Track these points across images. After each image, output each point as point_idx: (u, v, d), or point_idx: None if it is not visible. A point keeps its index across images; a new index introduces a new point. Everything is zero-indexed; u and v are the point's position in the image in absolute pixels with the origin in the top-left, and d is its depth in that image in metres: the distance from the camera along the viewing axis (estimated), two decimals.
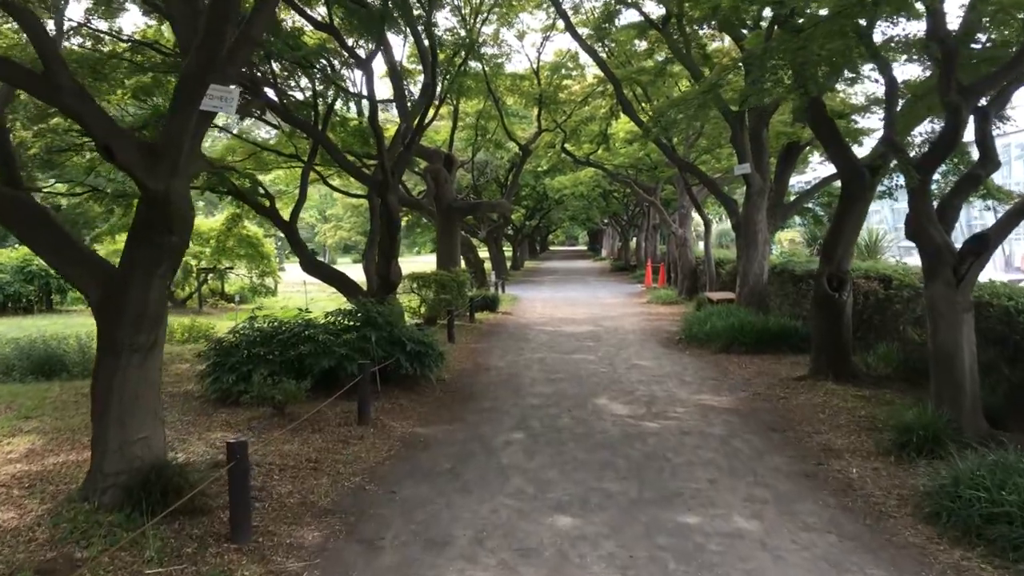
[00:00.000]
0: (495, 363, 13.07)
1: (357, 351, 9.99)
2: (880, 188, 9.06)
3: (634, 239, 45.50)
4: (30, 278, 22.38)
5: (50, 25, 10.29)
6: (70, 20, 11.82)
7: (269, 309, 23.90)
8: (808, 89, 9.24)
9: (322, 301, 22.54)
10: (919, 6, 7.37)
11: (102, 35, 11.69)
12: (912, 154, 10.47)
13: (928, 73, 9.99)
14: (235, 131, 19.53)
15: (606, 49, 18.91)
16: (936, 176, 10.41)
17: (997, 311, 8.47)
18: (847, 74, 12.20)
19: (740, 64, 13.60)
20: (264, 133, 21.58)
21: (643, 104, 20.07)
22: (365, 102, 14.78)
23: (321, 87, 14.72)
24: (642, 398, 10.05)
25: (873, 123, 20.24)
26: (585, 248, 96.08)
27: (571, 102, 23.37)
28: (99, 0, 10.82)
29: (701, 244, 29.80)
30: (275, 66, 13.22)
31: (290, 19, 13.63)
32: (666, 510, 6.03)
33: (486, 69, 20.65)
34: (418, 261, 42.69)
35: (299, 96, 15.34)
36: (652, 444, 7.87)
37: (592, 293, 28.38)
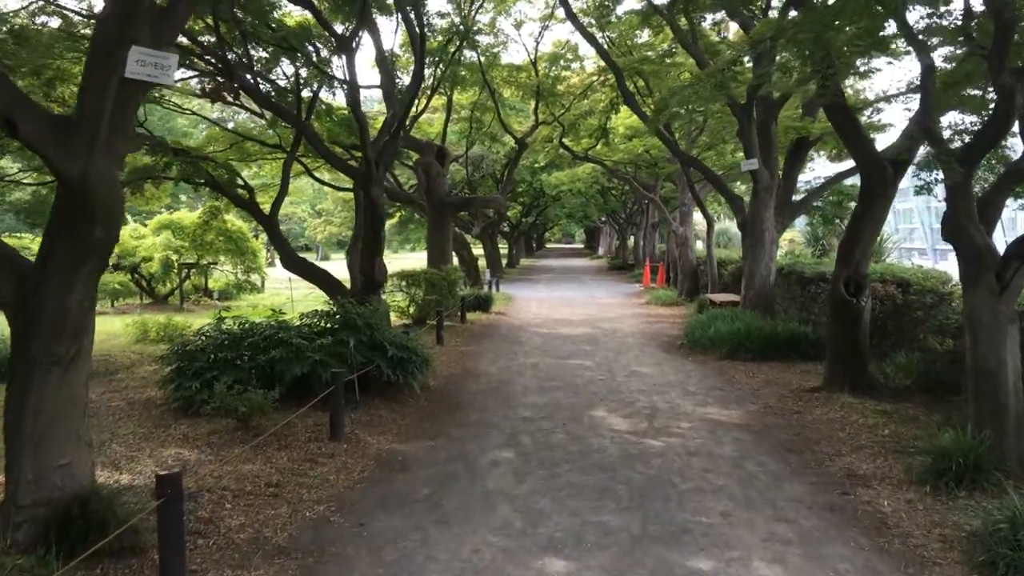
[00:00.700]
0: (485, 368, 12.25)
1: (333, 357, 9.16)
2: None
3: (631, 237, 44.68)
4: None
5: None
6: None
7: (254, 306, 23.06)
8: (827, 79, 8.41)
9: (310, 299, 21.78)
10: None
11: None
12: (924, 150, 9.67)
13: (954, 62, 9.20)
14: (214, 117, 18.68)
15: (606, 38, 18.07)
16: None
17: None
18: (860, 66, 11.47)
19: (748, 54, 12.80)
20: (252, 123, 20.69)
21: (646, 99, 19.23)
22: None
23: (305, 73, 13.88)
24: (643, 410, 9.23)
25: (886, 117, 19.37)
26: (582, 246, 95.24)
27: (570, 95, 22.54)
28: None
29: (699, 243, 29.08)
30: (254, 49, 12.39)
31: None
32: (674, 550, 5.21)
33: (481, 59, 19.81)
34: (412, 258, 41.83)
35: (282, 82, 14.55)
36: (656, 466, 7.05)
37: (589, 293, 27.56)
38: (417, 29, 12.29)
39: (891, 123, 15.09)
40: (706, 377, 11.28)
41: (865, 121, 14.92)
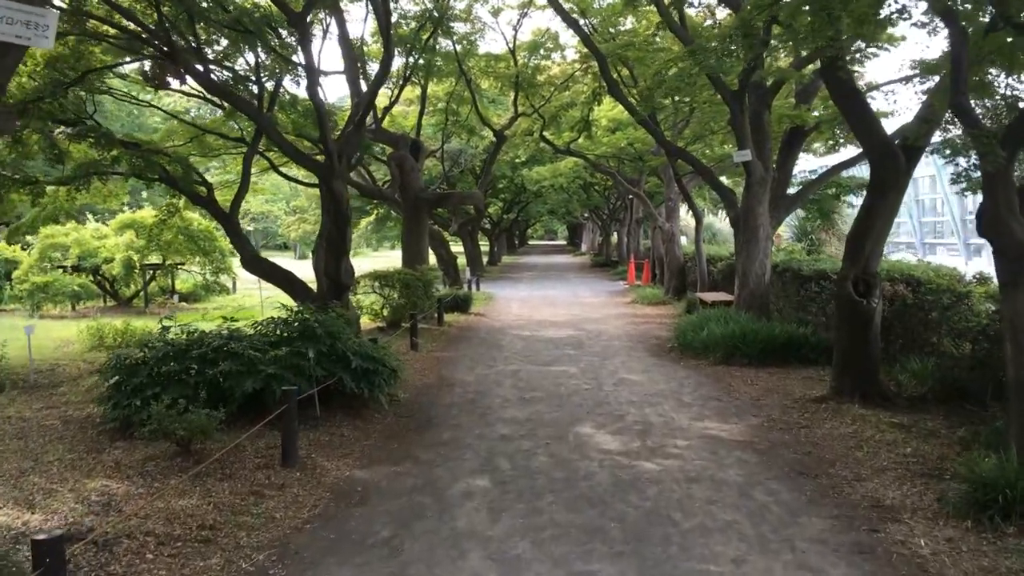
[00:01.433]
0: (462, 377, 11.32)
1: (290, 370, 8.21)
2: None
3: (615, 234, 43.86)
4: None
5: None
6: None
7: (223, 309, 21.99)
8: (835, 50, 7.54)
9: (283, 301, 20.73)
10: None
11: None
12: (953, 133, 8.84)
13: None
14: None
15: (589, 25, 17.15)
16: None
17: None
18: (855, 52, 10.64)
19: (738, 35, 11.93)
20: (213, 115, 19.60)
21: (630, 89, 18.35)
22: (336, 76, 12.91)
23: (265, 59, 12.88)
24: (634, 426, 8.33)
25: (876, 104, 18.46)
26: (564, 243, 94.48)
27: (550, 85, 21.63)
28: None
29: (683, 239, 28.23)
30: (209, 33, 11.38)
31: None
32: None
33: (457, 48, 18.86)
34: (391, 256, 40.79)
35: (244, 70, 13.55)
36: (652, 497, 6.15)
37: (572, 291, 26.67)
38: (381, 2, 11.31)
39: (888, 112, 14.13)
40: (701, 385, 10.41)
41: None
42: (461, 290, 20.78)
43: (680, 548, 5.16)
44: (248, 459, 7.11)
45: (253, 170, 19.10)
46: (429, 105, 22.40)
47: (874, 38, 8.73)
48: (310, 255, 64.24)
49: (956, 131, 8.81)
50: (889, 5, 7.02)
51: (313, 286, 12.67)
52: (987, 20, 6.53)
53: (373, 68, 18.48)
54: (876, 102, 14.40)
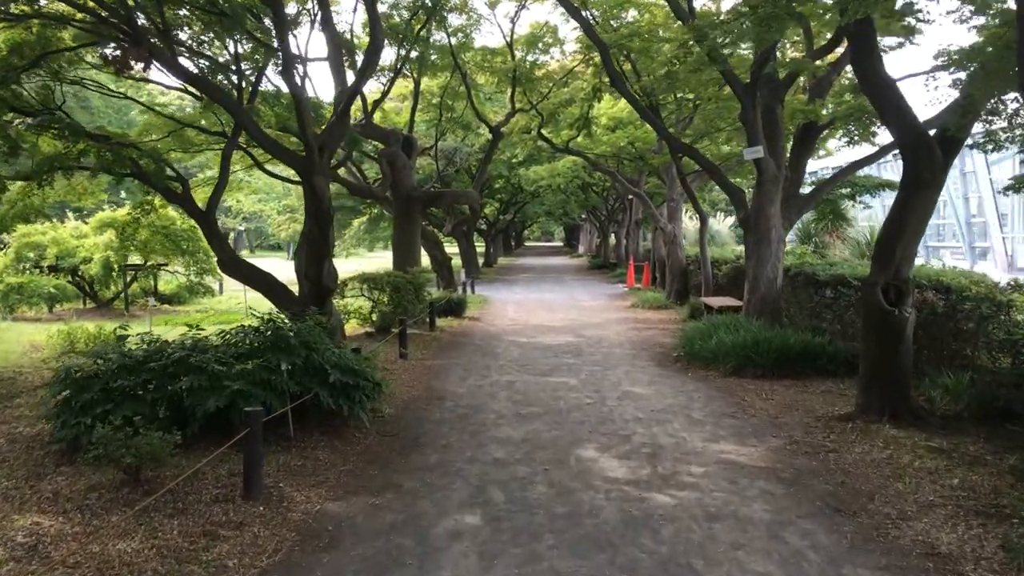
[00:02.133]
0: (453, 389, 10.48)
1: (259, 385, 7.36)
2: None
3: (613, 235, 43.05)
4: None
5: None
6: None
7: (207, 312, 21.11)
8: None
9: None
10: None
11: None
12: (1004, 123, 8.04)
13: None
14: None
15: (590, 16, 16.33)
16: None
17: None
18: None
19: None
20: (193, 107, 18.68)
21: (632, 84, 17.54)
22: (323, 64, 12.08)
23: (246, 47, 12.06)
24: (642, 448, 7.50)
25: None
26: (561, 244, 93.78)
27: (549, 80, 20.81)
28: None
29: (683, 242, 27.38)
30: (179, 13, 10.53)
31: None
32: None
33: (452, 40, 18.04)
34: (386, 257, 39.91)
35: (225, 58, 12.72)
36: (668, 539, 5.31)
37: (570, 294, 25.84)
38: None
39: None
40: (712, 399, 9.58)
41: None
42: (455, 293, 19.93)
43: None
44: (206, 489, 6.26)
45: (238, 167, 18.30)
46: (423, 101, 21.57)
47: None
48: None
49: (1000, 123, 8.03)
50: None
51: (296, 289, 11.84)
52: None
53: (359, 55, 17.67)
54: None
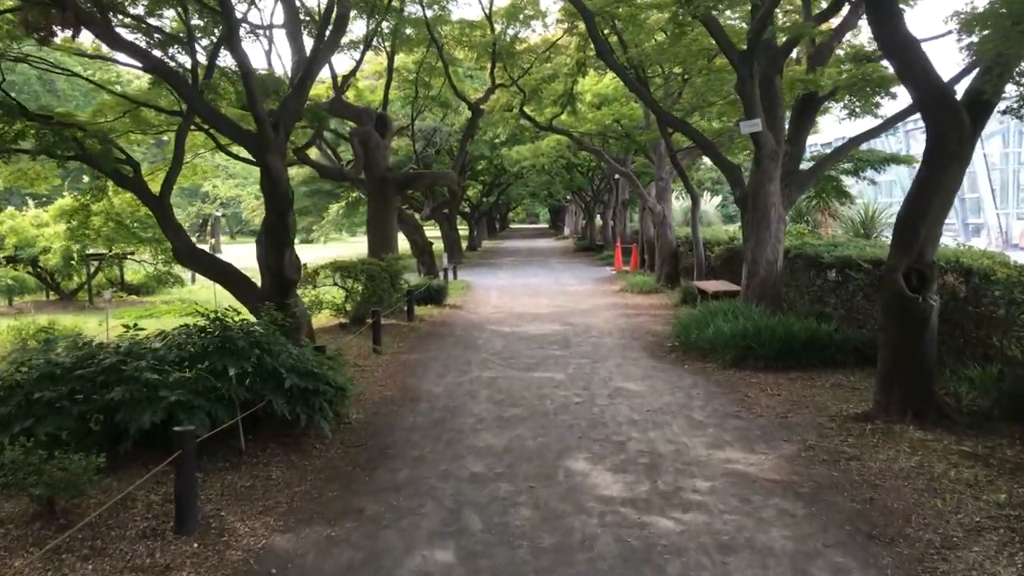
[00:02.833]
0: (429, 388, 9.59)
1: (203, 394, 6.45)
2: None
3: (599, 216, 42.16)
4: None
5: None
6: None
7: (175, 304, 20.12)
8: None
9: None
10: None
11: None
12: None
13: None
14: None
15: None
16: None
17: None
18: None
19: None
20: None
21: (619, 57, 16.59)
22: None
23: (198, 18, 11.02)
24: (640, 458, 6.65)
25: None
26: (546, 226, 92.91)
27: (531, 54, 19.83)
28: None
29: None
30: None
31: None
32: None
33: (428, 13, 17.00)
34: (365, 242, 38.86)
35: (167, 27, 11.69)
36: None
37: (556, 278, 24.97)
38: None
39: None
40: (713, 396, 8.73)
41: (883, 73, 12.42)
42: (435, 280, 19.01)
43: None
44: (134, 521, 5.37)
45: (201, 150, 17.27)
46: (399, 78, 20.54)
47: None
48: None
49: None
50: None
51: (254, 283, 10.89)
52: None
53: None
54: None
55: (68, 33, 8.60)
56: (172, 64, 11.92)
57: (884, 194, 39.81)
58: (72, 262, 18.97)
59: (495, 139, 31.79)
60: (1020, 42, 6.28)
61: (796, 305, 12.56)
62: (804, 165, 13.41)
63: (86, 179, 30.85)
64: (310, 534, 5.26)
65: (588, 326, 14.28)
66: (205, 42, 11.63)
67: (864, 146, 14.43)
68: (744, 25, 13.57)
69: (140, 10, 10.73)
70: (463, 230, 45.77)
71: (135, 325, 7.49)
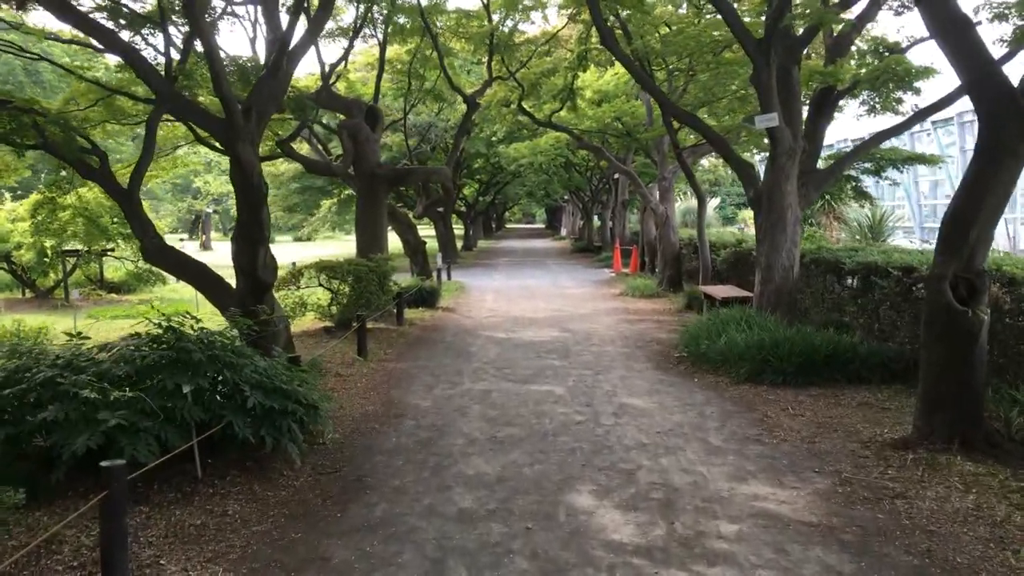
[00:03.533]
0: (416, 401, 8.74)
1: (151, 416, 5.60)
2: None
3: (596, 217, 41.32)
4: None
5: None
6: None
7: (158, 303, 19.20)
8: None
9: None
10: None
11: None
12: None
13: None
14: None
15: None
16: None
17: None
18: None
19: None
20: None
21: (624, 49, 15.73)
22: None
23: None
24: (652, 492, 5.80)
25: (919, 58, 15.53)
26: (543, 226, 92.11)
27: (531, 45, 18.98)
28: None
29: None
30: None
31: None
32: None
33: (422, 1, 16.14)
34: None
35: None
36: None
37: (553, 280, 24.13)
38: None
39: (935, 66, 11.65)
40: (729, 416, 7.89)
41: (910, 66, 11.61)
42: (428, 281, 18.15)
43: None
44: (55, 570, 4.51)
45: (182, 142, 16.39)
46: (392, 70, 19.67)
47: None
48: (276, 238, 61.17)
49: None
50: None
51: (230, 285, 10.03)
52: None
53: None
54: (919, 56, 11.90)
55: (13, 6, 7.75)
56: (146, 47, 11.14)
57: (888, 197, 39.09)
58: (45, 259, 18.06)
59: (492, 136, 30.95)
60: None
61: (810, 313, 11.74)
62: (820, 164, 12.58)
63: (64, 172, 29.82)
64: None
65: (588, 333, 13.44)
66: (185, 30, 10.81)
67: (885, 144, 13.61)
68: (753, 19, 12.80)
69: None
70: (459, 230, 44.92)
71: (79, 333, 6.64)
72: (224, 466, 6.20)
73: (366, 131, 15.28)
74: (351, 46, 15.30)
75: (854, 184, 14.26)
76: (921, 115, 10.98)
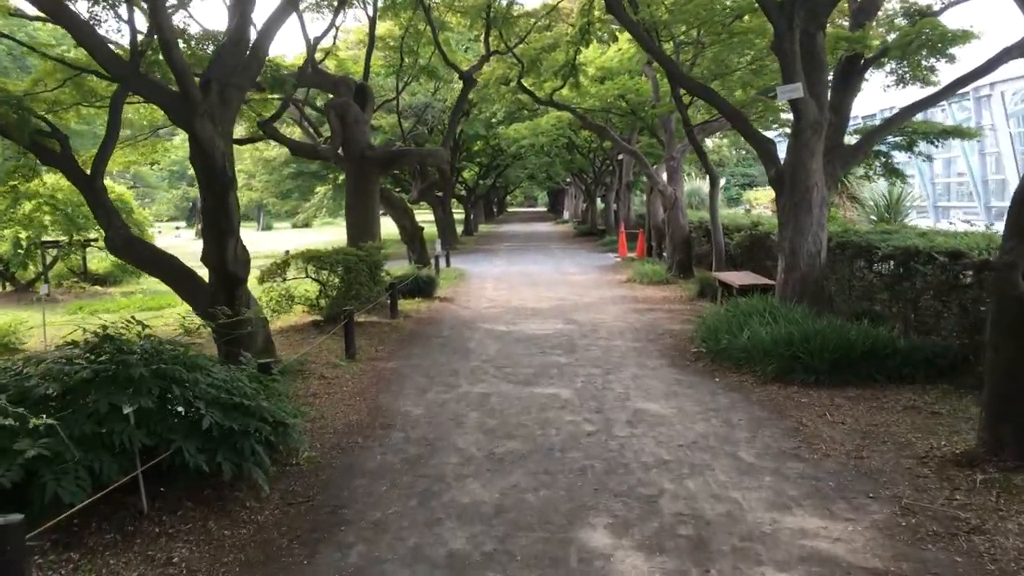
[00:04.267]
0: (407, 408, 7.84)
1: (83, 443, 4.69)
2: None
3: (600, 199, 40.30)
4: None
5: None
6: None
7: (140, 296, 18.33)
8: None
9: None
10: None
11: None
12: None
13: None
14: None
15: None
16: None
17: None
18: None
19: None
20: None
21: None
22: None
23: None
24: (679, 527, 4.89)
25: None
26: (545, 209, 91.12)
27: (529, 17, 17.95)
28: None
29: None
30: None
31: None
32: None
33: None
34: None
35: None
36: None
37: (556, 266, 23.20)
38: None
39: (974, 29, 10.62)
40: (759, 423, 6.98)
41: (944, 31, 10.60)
42: (424, 269, 17.21)
43: None
44: None
45: (161, 124, 15.45)
46: (384, 46, 18.66)
47: None
48: (274, 225, 60.27)
49: None
50: None
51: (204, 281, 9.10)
52: None
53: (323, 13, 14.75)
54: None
55: None
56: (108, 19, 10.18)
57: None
58: (19, 251, 17.15)
59: (492, 118, 29.92)
60: None
61: (835, 303, 10.80)
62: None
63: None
64: None
65: (595, 324, 12.52)
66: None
67: (920, 117, 12.64)
68: None
69: None
70: (459, 214, 43.96)
71: (15, 342, 5.72)
72: (177, 498, 5.30)
73: (355, 111, 14.30)
74: (335, 17, 14.31)
75: (884, 160, 13.23)
76: (961, 82, 9.96)
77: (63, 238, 19.13)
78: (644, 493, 5.44)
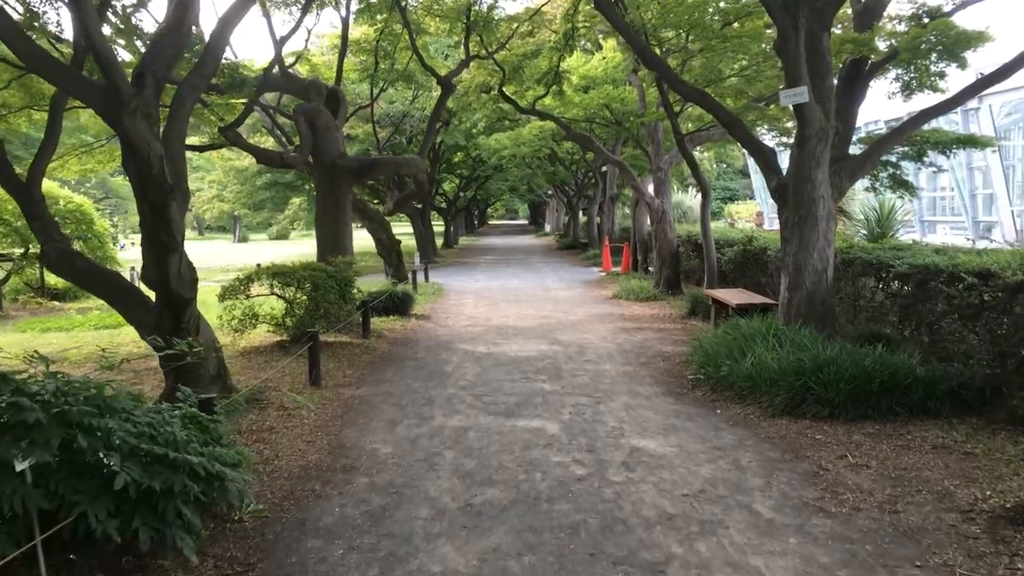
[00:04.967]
0: (373, 447, 6.94)
1: None
2: None
3: (582, 212, 39.60)
4: None
5: None
6: None
7: (92, 312, 17.28)
8: None
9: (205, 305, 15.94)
10: None
11: None
12: None
13: None
14: None
15: None
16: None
17: None
18: None
19: None
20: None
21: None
22: None
23: None
24: None
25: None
26: (527, 222, 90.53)
27: (512, 22, 17.19)
28: None
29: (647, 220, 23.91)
30: None
31: None
32: None
33: None
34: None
35: None
36: None
37: (539, 281, 22.36)
38: None
39: (989, 31, 9.93)
40: (773, 466, 6.14)
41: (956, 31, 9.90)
42: (401, 285, 16.31)
43: None
44: None
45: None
46: (358, 50, 17.81)
47: None
48: (251, 237, 59.12)
49: None
50: None
51: (147, 298, 8.17)
52: None
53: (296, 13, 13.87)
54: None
55: None
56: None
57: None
58: None
59: (472, 128, 29.14)
60: None
61: (839, 323, 10.03)
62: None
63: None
64: None
65: (582, 345, 11.68)
66: None
67: (928, 126, 11.94)
68: None
69: None
70: (439, 227, 43.11)
71: None
72: (88, 569, 4.38)
73: (326, 117, 13.42)
74: (304, 16, 13.44)
75: (892, 171, 12.54)
76: (977, 87, 9.25)
77: (17, 251, 18.10)
78: (648, 559, 4.58)
